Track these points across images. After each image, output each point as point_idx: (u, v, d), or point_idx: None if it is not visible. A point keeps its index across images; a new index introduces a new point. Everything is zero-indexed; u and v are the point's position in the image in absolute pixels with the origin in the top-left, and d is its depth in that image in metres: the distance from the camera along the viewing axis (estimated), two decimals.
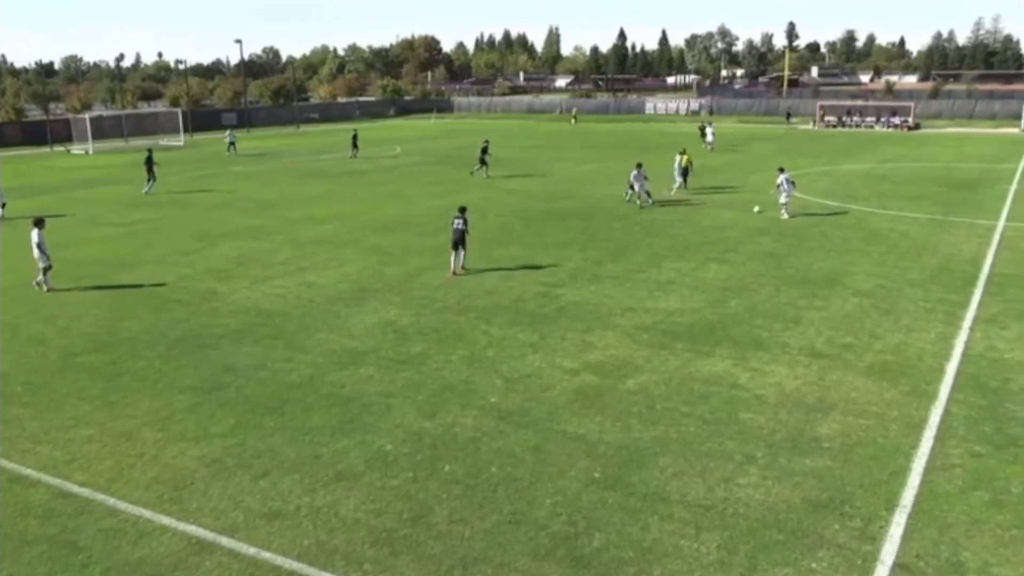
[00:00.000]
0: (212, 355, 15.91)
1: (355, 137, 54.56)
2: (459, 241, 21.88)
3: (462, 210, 22.18)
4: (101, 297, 20.33)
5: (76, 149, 63.00)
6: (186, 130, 70.78)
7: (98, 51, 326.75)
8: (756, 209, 30.05)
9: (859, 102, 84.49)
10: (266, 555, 9.28)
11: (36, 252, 21.00)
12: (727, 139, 60.08)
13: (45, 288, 20.98)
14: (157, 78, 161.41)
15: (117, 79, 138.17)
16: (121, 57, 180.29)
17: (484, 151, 41.97)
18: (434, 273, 21.84)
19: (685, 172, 35.41)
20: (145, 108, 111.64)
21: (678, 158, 35.42)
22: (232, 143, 58.72)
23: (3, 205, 32.69)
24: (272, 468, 11.29)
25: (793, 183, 28.94)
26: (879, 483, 10.58)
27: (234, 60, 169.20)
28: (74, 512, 10.29)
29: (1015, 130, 68.14)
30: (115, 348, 16.45)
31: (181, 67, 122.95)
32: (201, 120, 79.99)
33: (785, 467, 11.03)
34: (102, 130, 66.81)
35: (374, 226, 28.93)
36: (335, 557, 9.22)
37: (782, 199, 28.92)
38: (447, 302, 19.17)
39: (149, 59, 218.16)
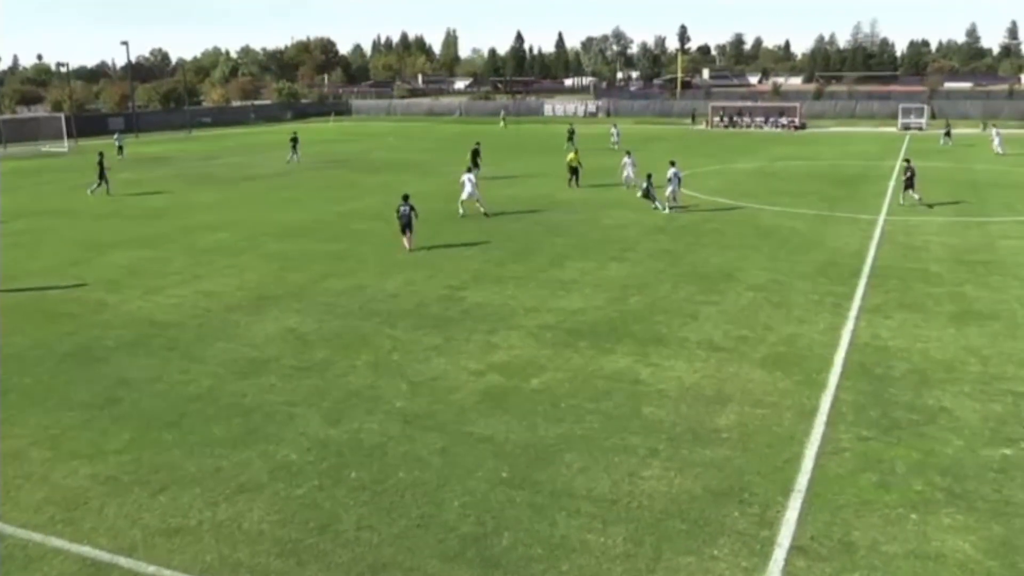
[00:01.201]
0: (104, 369, 15.31)
1: (295, 140, 51.58)
2: (407, 225, 24.68)
3: (406, 198, 24.88)
4: None
5: None
6: (70, 135, 67.78)
7: None
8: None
9: (749, 103, 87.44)
10: (167, 573, 8.99)
11: None
12: (625, 139, 61.26)
13: None
14: (37, 81, 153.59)
15: None
16: None
17: (476, 153, 40.39)
18: (336, 279, 21.56)
19: (575, 171, 37.22)
20: (25, 113, 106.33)
21: (626, 159, 36.88)
22: (120, 147, 57.07)
23: None
24: (171, 483, 10.95)
25: (680, 178, 30.10)
26: (775, 470, 10.99)
27: (120, 62, 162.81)
28: None
29: (893, 129, 71.72)
30: None
31: (63, 70, 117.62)
32: (86, 125, 76.46)
33: (687, 458, 11.34)
34: None
35: (273, 232, 28.35)
36: (240, 571, 9.01)
37: (668, 191, 30.19)
38: (350, 307, 18.96)
39: (28, 61, 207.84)
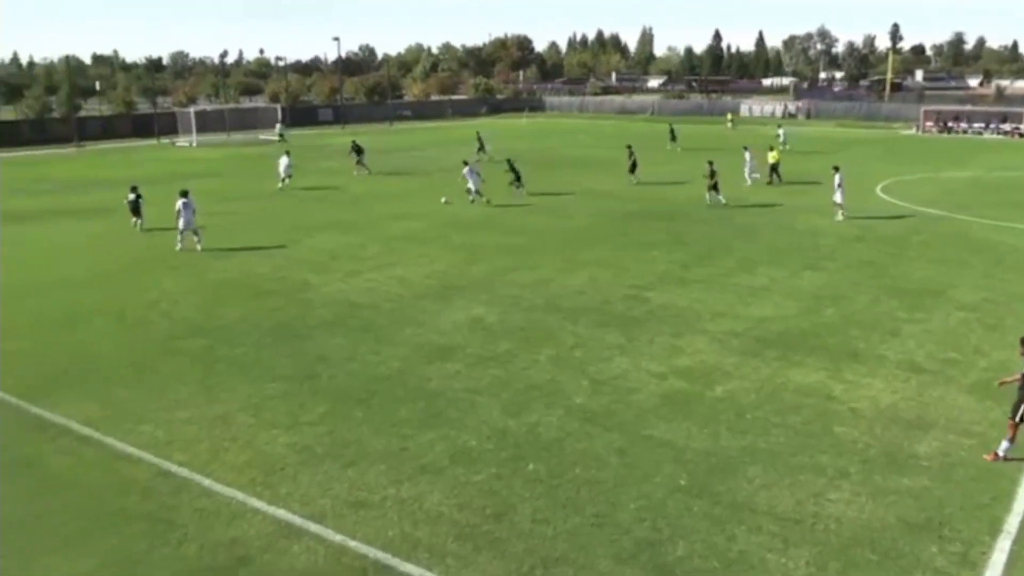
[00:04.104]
0: (305, 345, 16.30)
1: (480, 138, 51.59)
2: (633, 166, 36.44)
3: (628, 146, 37.41)
4: (200, 285, 21.06)
5: (181, 142, 65.39)
6: (284, 125, 72.55)
7: (204, 47, 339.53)
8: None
9: (967, 107, 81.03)
10: (352, 543, 9.46)
11: (191, 217, 24.76)
12: (822, 143, 58.56)
13: (199, 247, 24.89)
14: (258, 74, 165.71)
15: (221, 75, 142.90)
16: (225, 54, 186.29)
17: (632, 158, 40.07)
18: (521, 272, 21.89)
19: (775, 168, 37.86)
20: (246, 103, 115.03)
21: (746, 154, 38.04)
22: (281, 135, 64.35)
23: (289, 177, 38.35)
24: (359, 458, 11.50)
25: (843, 185, 29.02)
26: (981, 506, 10.12)
27: (332, 57, 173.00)
28: (172, 491, 10.69)
29: None
30: (213, 334, 17.02)
31: (281, 64, 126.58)
32: (299, 115, 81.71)
33: (880, 484, 10.66)
34: (205, 124, 68.96)
35: (461, 224, 29.15)
36: (419, 549, 9.33)
37: (837, 199, 28.95)
38: (534, 301, 19.19)
39: (251, 55, 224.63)
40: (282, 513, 10.11)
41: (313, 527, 9.81)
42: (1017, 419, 11.19)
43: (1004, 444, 11.28)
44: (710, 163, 32.67)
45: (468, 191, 32.92)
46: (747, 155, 38.05)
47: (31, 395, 13.84)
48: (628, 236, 26.57)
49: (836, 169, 29.32)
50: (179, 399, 13.64)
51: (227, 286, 20.90)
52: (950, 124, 72.06)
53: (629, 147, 40.40)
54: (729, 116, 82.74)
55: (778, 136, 53.17)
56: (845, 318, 17.70)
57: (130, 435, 12.29)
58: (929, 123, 73.08)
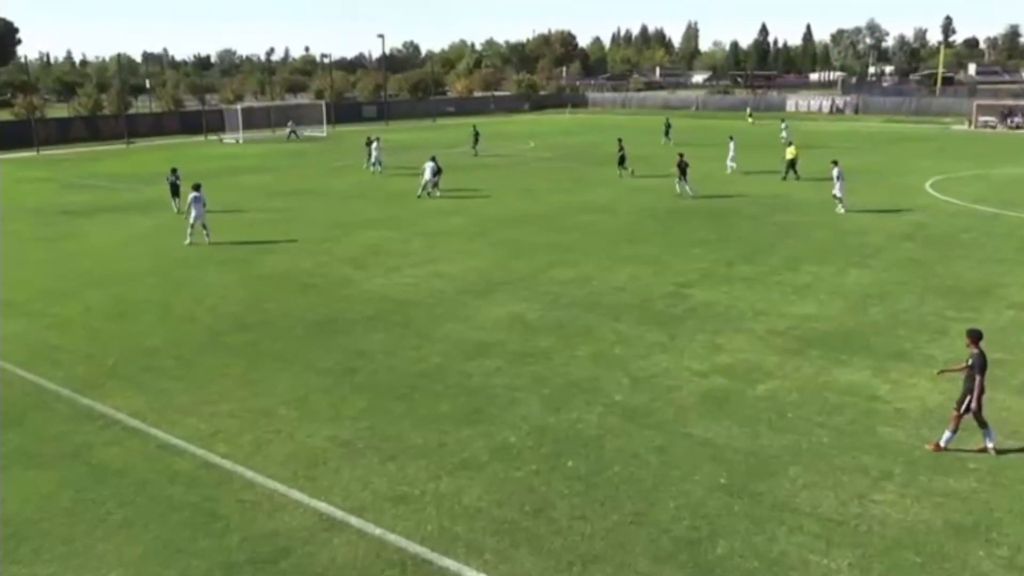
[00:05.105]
0: (345, 340, 16.46)
1: (476, 133, 53.46)
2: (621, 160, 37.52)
3: (619, 140, 39.01)
4: (244, 280, 21.36)
5: (228, 138, 66.31)
6: (329, 122, 73.29)
7: (251, 45, 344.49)
8: None
9: (1021, 102, 78.99)
10: (391, 537, 9.54)
11: (202, 211, 25.45)
12: (868, 139, 57.52)
13: (208, 240, 25.61)
14: (303, 71, 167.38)
15: (267, 72, 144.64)
16: (271, 51, 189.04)
17: (681, 151, 40.14)
18: (562, 269, 21.86)
19: (792, 164, 37.93)
20: (291, 100, 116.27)
21: (729, 145, 40.48)
22: (293, 131, 66.68)
23: (381, 163, 42.35)
24: (399, 452, 11.59)
25: (842, 178, 29.36)
26: None
27: (376, 54, 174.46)
28: (215, 482, 10.88)
29: None
30: (256, 329, 17.26)
31: (326, 61, 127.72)
32: (343, 112, 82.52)
33: (926, 486, 10.47)
34: (252, 120, 69.79)
35: (502, 220, 29.18)
36: (457, 544, 9.37)
37: (836, 192, 29.36)
38: (575, 298, 19.15)
39: (297, 53, 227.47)
40: (323, 506, 10.23)
41: (353, 520, 9.91)
42: (961, 410, 11.19)
43: (947, 435, 11.31)
44: (680, 155, 34.20)
45: (427, 184, 34.51)
46: (731, 145, 40.50)
47: (81, 387, 14.19)
48: (671, 233, 26.38)
49: (835, 163, 29.85)
50: (223, 392, 13.86)
51: (270, 281, 21.17)
52: (1005, 119, 70.33)
53: (620, 140, 40.88)
54: (749, 111, 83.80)
55: (781, 131, 53.06)
56: (891, 317, 17.40)
57: (176, 427, 12.53)
58: (986, 118, 71.40)
